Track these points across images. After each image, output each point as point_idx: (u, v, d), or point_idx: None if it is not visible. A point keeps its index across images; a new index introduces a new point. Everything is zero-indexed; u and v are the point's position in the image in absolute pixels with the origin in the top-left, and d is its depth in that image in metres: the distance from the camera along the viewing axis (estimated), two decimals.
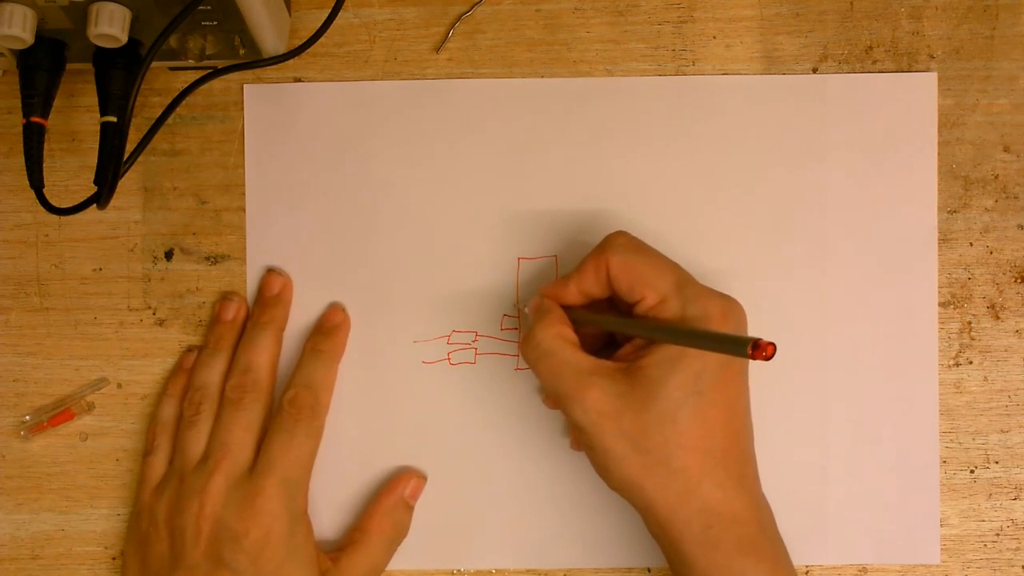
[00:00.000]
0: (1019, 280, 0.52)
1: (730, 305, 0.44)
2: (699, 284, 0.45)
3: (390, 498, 0.51)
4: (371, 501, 0.51)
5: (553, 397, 0.45)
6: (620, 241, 0.46)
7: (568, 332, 0.45)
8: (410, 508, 0.51)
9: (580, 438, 0.45)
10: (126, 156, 0.45)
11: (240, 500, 0.47)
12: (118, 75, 0.46)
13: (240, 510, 0.47)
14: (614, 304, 0.47)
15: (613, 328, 0.46)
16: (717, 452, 0.43)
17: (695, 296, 0.44)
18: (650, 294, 0.44)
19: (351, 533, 0.50)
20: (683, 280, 0.44)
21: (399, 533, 0.51)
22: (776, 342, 0.51)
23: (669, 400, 0.42)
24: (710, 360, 0.43)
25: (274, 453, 0.48)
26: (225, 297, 0.52)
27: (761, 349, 0.36)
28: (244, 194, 0.52)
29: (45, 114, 0.46)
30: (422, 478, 0.51)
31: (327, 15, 0.48)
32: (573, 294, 0.46)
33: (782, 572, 0.44)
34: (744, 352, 0.37)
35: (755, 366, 0.51)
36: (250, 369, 0.50)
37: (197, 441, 0.49)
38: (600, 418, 0.43)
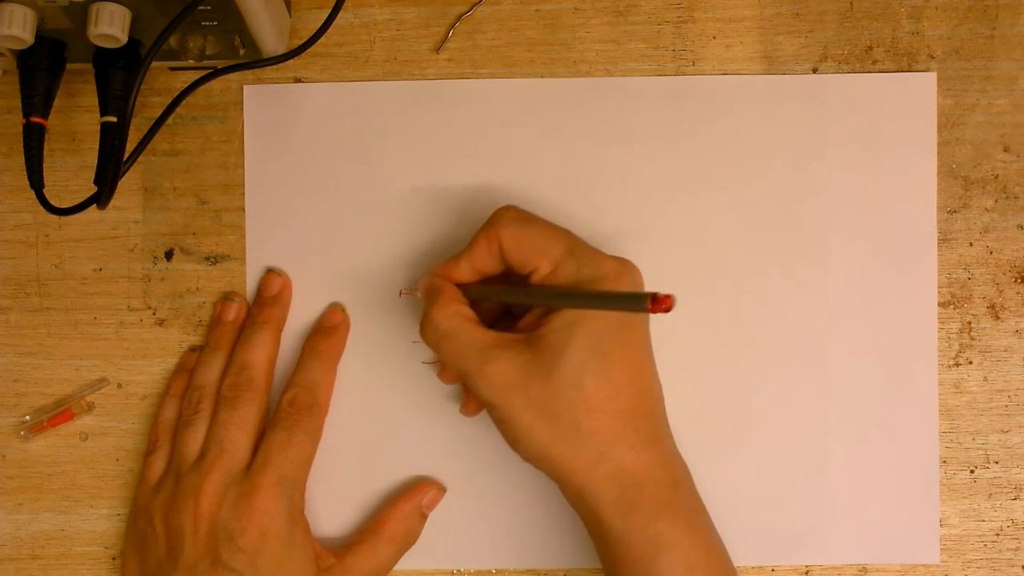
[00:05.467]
0: (1019, 280, 0.52)
1: (624, 265, 0.44)
2: (591, 247, 0.45)
3: (407, 504, 0.51)
4: (387, 503, 0.51)
5: (459, 375, 0.45)
6: (509, 214, 0.46)
7: (465, 309, 0.45)
8: (424, 517, 0.51)
9: (490, 414, 0.45)
10: (126, 156, 0.45)
11: (236, 499, 0.47)
12: (118, 75, 0.46)
13: (236, 509, 0.47)
14: (507, 278, 0.47)
15: (511, 299, 0.46)
16: (626, 413, 0.43)
17: (588, 259, 0.44)
18: (543, 262, 0.44)
19: (361, 532, 0.50)
20: (575, 245, 0.44)
21: (409, 540, 0.51)
22: (772, 341, 0.51)
23: (572, 364, 0.42)
24: (609, 321, 0.43)
25: (271, 452, 0.48)
26: (226, 298, 0.52)
27: (660, 302, 0.36)
28: (244, 194, 0.52)
29: (45, 114, 0.46)
30: (442, 490, 0.51)
31: (327, 15, 0.48)
32: (466, 272, 0.46)
33: (698, 532, 0.44)
34: (644, 307, 0.36)
35: (752, 360, 0.52)
36: (246, 368, 0.50)
37: (194, 440, 0.49)
38: (506, 391, 0.43)
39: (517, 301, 0.46)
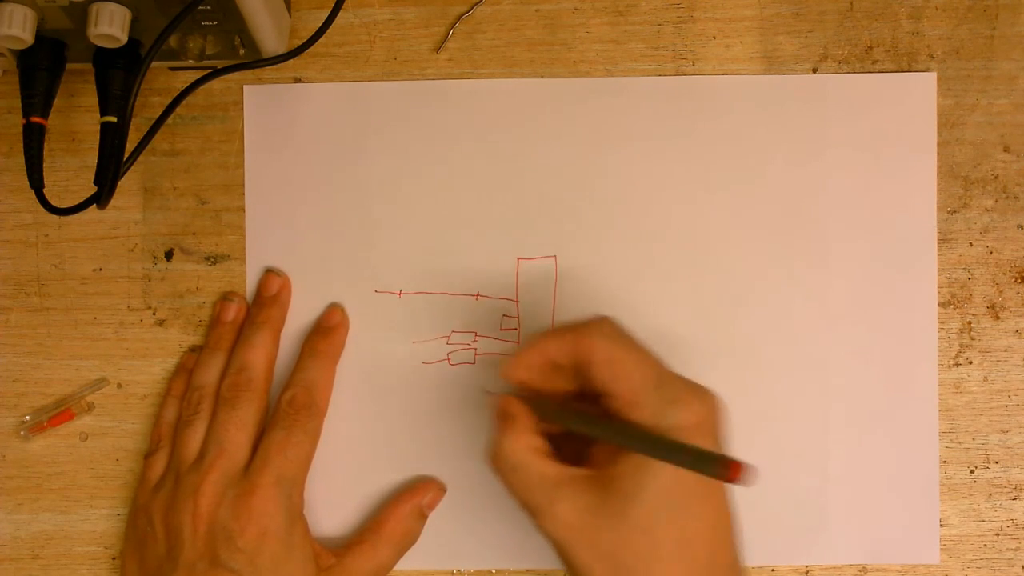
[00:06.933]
0: (1019, 280, 0.52)
1: (708, 410, 0.41)
2: (681, 384, 0.42)
3: (407, 504, 0.50)
4: (388, 503, 0.51)
5: (523, 507, 0.42)
6: (606, 329, 0.42)
7: (537, 441, 0.43)
8: (424, 517, 0.51)
9: (556, 551, 0.42)
10: (126, 156, 0.45)
11: (235, 499, 0.47)
12: (118, 75, 0.46)
13: (235, 509, 0.47)
14: (570, 394, 0.44)
15: (579, 429, 0.43)
16: (699, 564, 0.41)
17: (675, 399, 0.41)
18: (626, 389, 0.41)
19: (361, 532, 0.50)
20: (663, 379, 0.41)
21: (409, 540, 0.51)
22: (772, 341, 0.51)
23: (644, 513, 0.40)
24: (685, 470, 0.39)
25: (270, 452, 0.48)
26: (226, 298, 0.52)
27: (731, 470, 0.34)
28: (244, 194, 0.52)
29: (45, 114, 0.45)
30: (442, 490, 0.51)
31: (327, 15, 0.48)
32: (536, 362, 0.43)
33: None
34: (714, 472, 0.34)
35: (752, 360, 0.52)
36: (245, 368, 0.50)
37: (193, 440, 0.49)
38: (571, 532, 0.41)
39: (587, 433, 0.42)
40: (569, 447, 0.44)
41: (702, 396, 0.41)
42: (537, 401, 0.44)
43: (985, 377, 0.52)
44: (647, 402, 0.41)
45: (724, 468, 0.34)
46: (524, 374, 0.44)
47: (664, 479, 0.40)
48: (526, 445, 0.42)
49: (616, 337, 0.42)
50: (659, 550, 0.40)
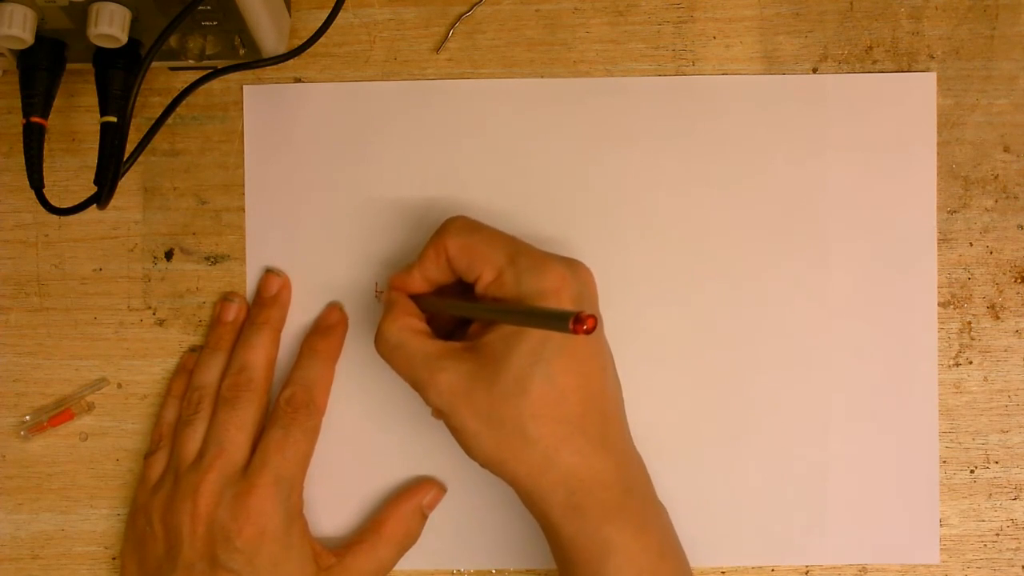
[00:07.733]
0: (1019, 280, 0.52)
1: (571, 272, 0.44)
2: (536, 254, 0.44)
3: (408, 504, 0.51)
4: (387, 503, 0.51)
5: (411, 386, 0.45)
6: (457, 224, 0.46)
7: (415, 322, 0.46)
8: (424, 517, 0.51)
9: (444, 422, 0.45)
10: (126, 156, 0.45)
11: (233, 499, 0.47)
12: (118, 75, 0.46)
13: (233, 509, 0.47)
14: (464, 287, 0.47)
15: (455, 312, 0.47)
16: (573, 417, 0.43)
17: (529, 268, 0.43)
18: (486, 270, 0.44)
19: (362, 532, 0.50)
20: (517, 253, 0.44)
21: (410, 540, 0.51)
22: (772, 341, 0.51)
23: (516, 372, 0.42)
24: None
25: (269, 451, 0.48)
26: (226, 298, 0.52)
27: (582, 323, 0.36)
28: (244, 194, 0.52)
29: (45, 114, 0.46)
30: (442, 490, 0.51)
31: (327, 15, 0.48)
32: (417, 281, 0.46)
33: (650, 536, 0.44)
34: (566, 327, 0.36)
35: (752, 360, 0.52)
36: (245, 368, 0.50)
37: (193, 440, 0.49)
38: (453, 399, 0.43)
39: (461, 314, 0.46)
40: (457, 333, 0.46)
41: (560, 262, 0.44)
42: (418, 297, 0.47)
43: (985, 377, 0.52)
44: (506, 277, 0.44)
45: (572, 323, 0.36)
46: (414, 291, 0.47)
47: (532, 338, 0.42)
48: (405, 325, 0.45)
49: (466, 228, 0.46)
50: (533, 406, 0.42)
